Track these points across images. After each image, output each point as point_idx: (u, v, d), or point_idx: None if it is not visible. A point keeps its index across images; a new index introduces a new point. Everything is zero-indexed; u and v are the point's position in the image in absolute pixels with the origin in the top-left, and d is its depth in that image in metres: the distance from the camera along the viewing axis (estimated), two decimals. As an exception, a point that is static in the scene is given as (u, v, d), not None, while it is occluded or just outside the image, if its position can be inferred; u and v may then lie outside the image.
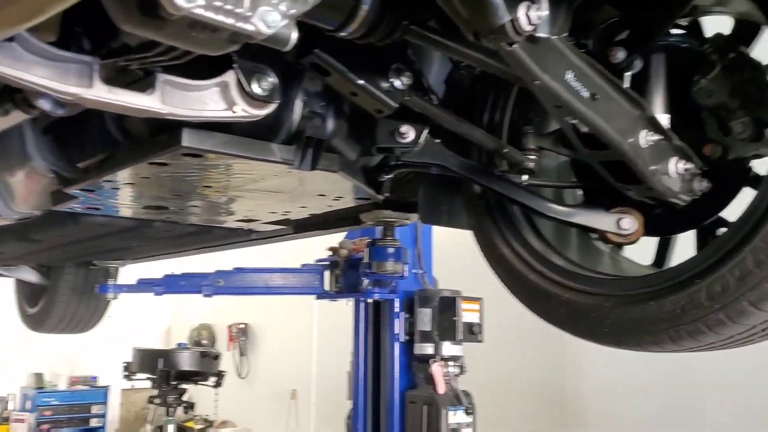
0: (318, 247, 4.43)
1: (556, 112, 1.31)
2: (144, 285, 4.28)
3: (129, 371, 6.23)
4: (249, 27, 0.93)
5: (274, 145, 1.56)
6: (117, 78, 1.23)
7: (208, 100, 1.33)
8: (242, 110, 1.34)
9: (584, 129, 1.34)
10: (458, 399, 3.92)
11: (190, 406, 6.25)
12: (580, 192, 1.79)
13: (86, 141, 1.80)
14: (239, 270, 4.36)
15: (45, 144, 2.01)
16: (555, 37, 1.14)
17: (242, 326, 8.68)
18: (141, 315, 9.58)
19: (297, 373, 7.80)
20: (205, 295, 4.28)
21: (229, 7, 0.89)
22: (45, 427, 8.41)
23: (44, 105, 1.41)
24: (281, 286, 4.39)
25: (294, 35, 1.01)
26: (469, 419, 3.92)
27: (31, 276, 4.56)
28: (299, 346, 7.80)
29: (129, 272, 4.47)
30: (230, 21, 0.91)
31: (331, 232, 3.09)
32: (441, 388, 3.88)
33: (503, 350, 5.41)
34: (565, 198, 1.87)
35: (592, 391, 5.34)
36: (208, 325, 9.35)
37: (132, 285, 4.25)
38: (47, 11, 0.76)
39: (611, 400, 5.18)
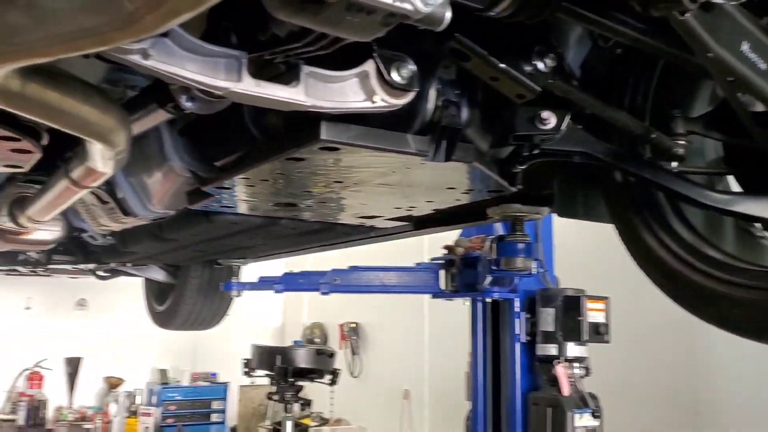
0: (411, 245, 4.34)
1: (728, 87, 1.20)
2: (265, 283, 4.39)
3: (248, 367, 6.40)
4: (407, 6, 0.89)
5: (408, 136, 1.52)
6: (262, 72, 1.23)
7: (348, 91, 1.32)
8: (382, 100, 1.32)
9: (758, 108, 1.22)
10: (584, 401, 3.77)
11: (306, 403, 6.36)
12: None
13: (224, 139, 1.83)
14: (355, 268, 4.39)
15: (182, 145, 2.07)
16: (731, 2, 1.04)
17: (353, 325, 8.78)
18: (256, 313, 9.90)
19: (409, 373, 7.80)
20: (323, 293, 4.33)
21: (388, -15, 0.86)
22: (170, 421, 8.82)
23: (186, 103, 1.43)
24: (396, 284, 4.38)
25: (448, 14, 0.97)
26: (596, 423, 3.77)
27: (159, 275, 4.79)
28: (411, 345, 7.80)
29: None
30: (388, 0, 0.87)
31: (451, 229, 3.03)
32: (566, 390, 3.74)
33: (629, 351, 5.15)
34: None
35: (729, 394, 4.97)
36: (320, 323, 9.52)
37: (254, 283, 4.37)
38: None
39: (753, 402, 4.80)
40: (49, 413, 8.55)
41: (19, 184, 2.57)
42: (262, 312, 10.11)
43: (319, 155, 1.54)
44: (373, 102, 1.32)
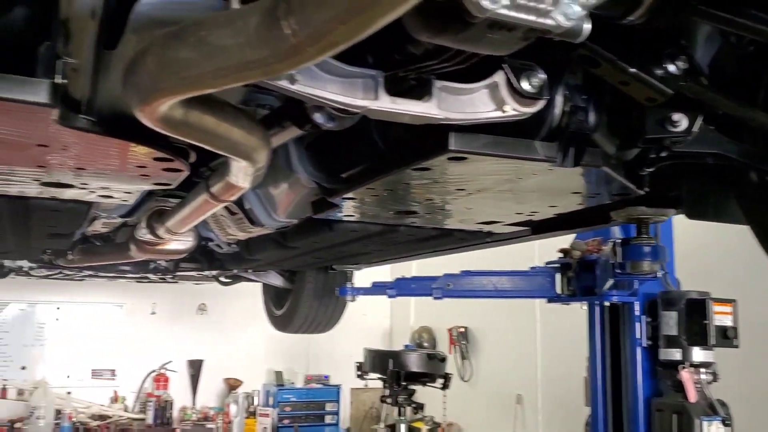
0: (520, 249, 4.27)
1: None
2: (378, 288, 4.48)
3: (361, 370, 6.54)
4: (549, 22, 0.91)
5: (536, 143, 1.53)
6: (395, 88, 1.28)
7: (478, 102, 1.35)
8: (513, 109, 1.34)
9: None
10: (713, 408, 3.61)
11: (419, 407, 6.42)
12: None
13: (350, 152, 1.90)
14: (467, 273, 4.40)
15: (307, 158, 2.17)
16: None
17: (462, 330, 8.77)
18: (364, 317, 10.08)
19: (521, 378, 7.70)
20: (435, 298, 4.37)
21: (531, 3, 0.88)
22: (286, 421, 9.12)
23: (319, 119, 1.51)
24: (510, 289, 4.35)
25: (588, 27, 0.98)
26: (726, 431, 3.60)
27: (277, 280, 4.98)
28: (522, 349, 7.71)
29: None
30: (531, 18, 0.90)
31: (570, 233, 3.00)
32: (692, 396, 3.60)
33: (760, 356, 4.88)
34: None
35: None
36: (428, 327, 9.57)
37: (368, 288, 4.47)
38: (392, 15, 0.77)
39: None
40: (175, 413, 9.04)
41: (158, 198, 2.77)
42: (370, 316, 10.27)
43: (446, 165, 1.58)
44: (504, 111, 1.34)
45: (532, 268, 4.43)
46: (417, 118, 1.29)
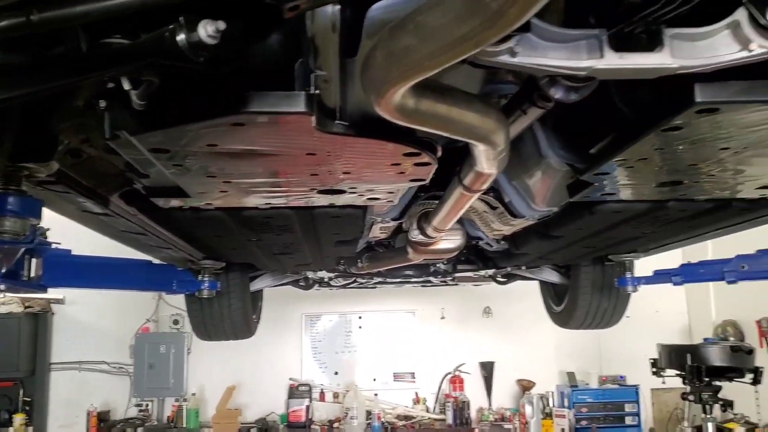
0: None
1: None
2: (661, 275, 4.21)
3: (656, 367, 6.17)
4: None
5: (804, 79, 1.37)
6: (625, 46, 1.25)
7: (719, 45, 1.26)
8: (760, 46, 1.22)
9: None
10: None
11: (728, 405, 5.85)
12: None
13: (594, 125, 1.87)
14: (764, 252, 3.93)
15: (556, 140, 2.17)
16: None
17: (775, 320, 7.79)
18: (658, 314, 9.47)
19: None
20: (728, 282, 3.97)
21: None
22: (583, 423, 8.90)
23: (557, 93, 1.52)
24: (821, 265, 3.79)
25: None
26: None
27: (553, 276, 4.95)
28: None
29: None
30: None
31: None
32: None
33: None
34: None
35: None
36: (733, 321, 8.66)
37: (649, 277, 4.23)
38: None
39: None
40: (472, 413, 9.35)
41: (422, 202, 2.96)
42: (664, 312, 9.62)
43: (696, 120, 1.48)
44: (750, 51, 1.23)
45: None
46: (650, 71, 1.25)
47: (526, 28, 1.20)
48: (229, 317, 4.46)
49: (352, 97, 1.46)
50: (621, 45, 1.24)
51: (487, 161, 1.72)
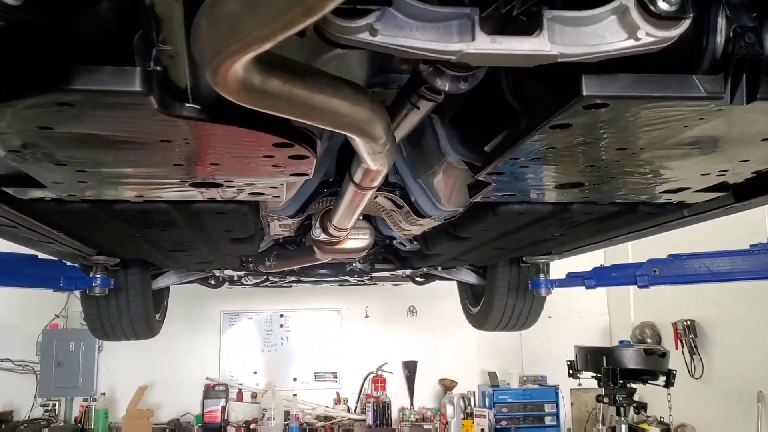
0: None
1: None
2: (574, 278, 4.16)
3: (573, 369, 6.19)
4: None
5: (694, 77, 1.26)
6: (501, 28, 1.11)
7: (604, 32, 1.14)
8: (647, 34, 1.11)
9: None
10: None
11: (642, 407, 5.91)
12: None
13: (487, 120, 1.74)
14: (676, 257, 3.93)
15: (454, 136, 2.03)
16: None
17: (688, 323, 7.96)
18: (579, 315, 9.60)
19: (763, 373, 6.79)
20: (640, 286, 3.96)
21: None
22: (503, 423, 8.93)
23: (445, 84, 1.37)
24: (729, 271, 3.80)
25: None
26: None
27: (470, 277, 4.86)
28: (763, 341, 6.79)
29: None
30: None
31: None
32: None
33: None
34: None
35: None
36: (651, 323, 8.85)
37: (562, 279, 4.18)
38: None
39: None
40: (394, 414, 9.25)
41: (323, 198, 2.79)
42: (586, 312, 9.77)
43: (586, 116, 1.36)
44: (638, 39, 1.12)
45: (752, 246, 3.83)
46: (525, 58, 1.11)
47: (387, 1, 1.05)
48: (127, 316, 4.18)
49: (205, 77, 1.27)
50: (496, 27, 1.10)
51: (369, 156, 1.57)
